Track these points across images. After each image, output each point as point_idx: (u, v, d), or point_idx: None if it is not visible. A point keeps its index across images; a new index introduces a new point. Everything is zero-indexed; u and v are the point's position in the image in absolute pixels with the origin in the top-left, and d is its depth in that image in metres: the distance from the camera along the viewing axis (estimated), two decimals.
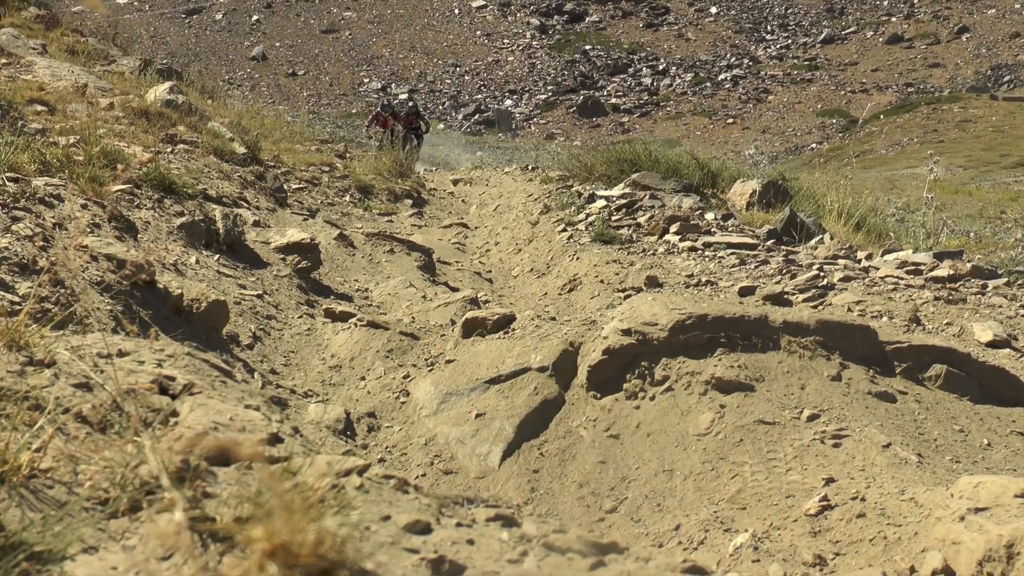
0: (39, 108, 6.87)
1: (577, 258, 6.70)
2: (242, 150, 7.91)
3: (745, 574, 3.04)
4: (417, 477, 3.77)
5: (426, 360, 4.46)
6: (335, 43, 54.50)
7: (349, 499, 1.56)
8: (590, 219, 7.80)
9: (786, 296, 5.58)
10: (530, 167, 11.98)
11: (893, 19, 59.29)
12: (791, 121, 51.58)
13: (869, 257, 6.96)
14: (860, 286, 6.13)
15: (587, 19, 60.00)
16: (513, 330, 4.36)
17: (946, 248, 7.78)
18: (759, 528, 3.25)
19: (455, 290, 6.15)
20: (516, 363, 4.09)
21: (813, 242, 7.36)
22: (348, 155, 11.71)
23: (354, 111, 44.99)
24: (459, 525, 1.78)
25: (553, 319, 4.53)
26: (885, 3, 60.16)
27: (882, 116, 47.56)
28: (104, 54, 11.43)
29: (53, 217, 4.09)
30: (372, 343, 4.61)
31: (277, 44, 54.84)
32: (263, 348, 4.56)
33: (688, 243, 7.13)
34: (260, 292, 5.09)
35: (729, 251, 6.95)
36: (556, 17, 59.84)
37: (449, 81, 51.39)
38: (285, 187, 7.93)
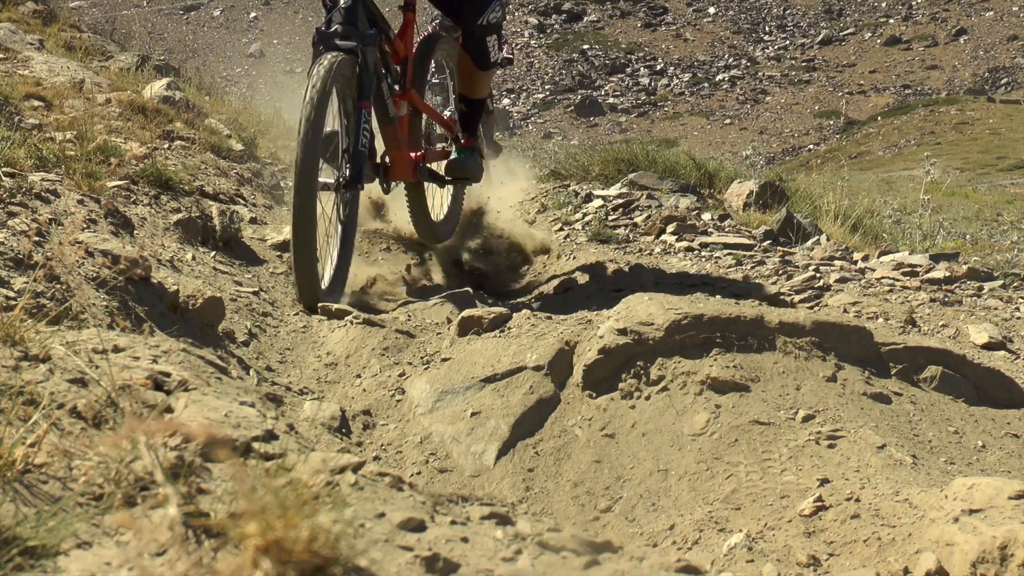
0: (36, 103, 6.87)
1: (574, 258, 6.69)
2: (239, 147, 7.91)
3: (739, 574, 3.04)
4: (412, 475, 3.77)
5: (422, 358, 4.46)
6: None
7: (343, 496, 1.56)
8: (587, 219, 7.80)
9: (782, 297, 5.59)
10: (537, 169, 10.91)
11: (891, 21, 59.36)
12: (788, 122, 51.67)
13: (865, 259, 6.97)
14: (856, 287, 6.14)
15: (585, 19, 60.04)
16: (509, 329, 4.36)
17: (942, 250, 7.78)
18: (753, 528, 3.26)
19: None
20: (512, 362, 4.09)
21: (810, 243, 7.37)
22: None
23: None
24: (453, 523, 1.78)
25: (549, 318, 4.54)
26: (883, 5, 60.22)
27: (879, 118, 47.65)
28: (102, 50, 11.41)
29: (49, 212, 4.09)
30: (368, 341, 4.60)
31: (275, 41, 54.82)
32: (259, 345, 4.56)
33: (685, 243, 7.14)
34: (256, 289, 5.08)
35: (726, 251, 6.96)
36: (554, 16, 59.88)
37: None
38: (282, 184, 7.93)
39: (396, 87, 5.17)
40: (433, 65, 5.76)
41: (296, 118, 4.56)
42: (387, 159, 5.35)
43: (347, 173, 4.75)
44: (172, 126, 7.55)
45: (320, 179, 4.65)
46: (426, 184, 5.62)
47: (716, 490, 3.48)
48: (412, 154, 5.41)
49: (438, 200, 5.96)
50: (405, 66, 5.27)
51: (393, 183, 5.45)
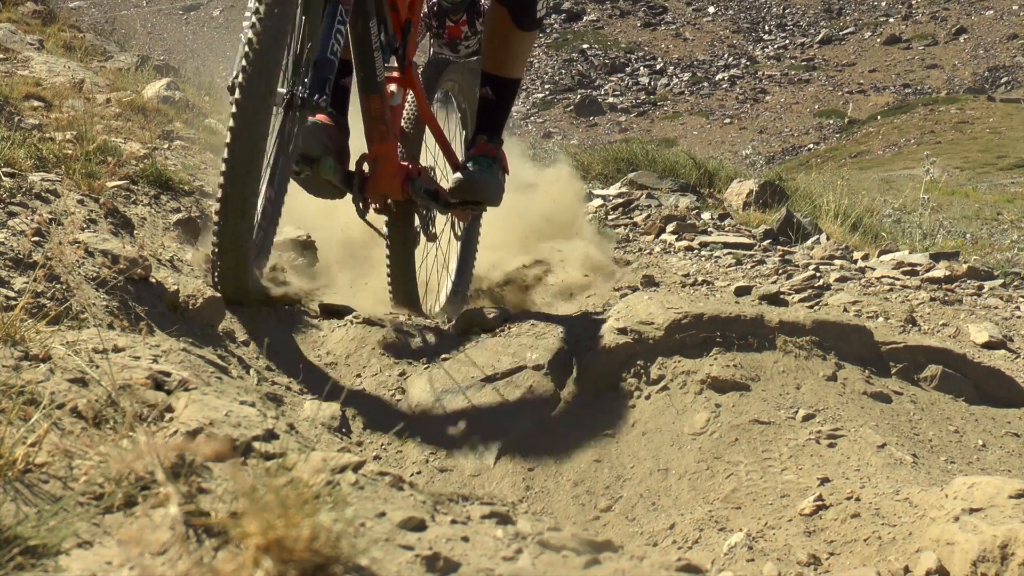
0: (36, 103, 6.87)
1: None
2: None
3: (740, 573, 3.04)
4: (412, 475, 3.77)
5: (422, 358, 4.46)
6: None
7: (344, 495, 1.56)
8: (587, 218, 7.80)
9: (782, 296, 5.60)
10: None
11: (891, 20, 59.37)
12: (788, 121, 51.66)
13: (865, 258, 6.98)
14: (856, 287, 6.14)
15: (585, 18, 60.04)
16: (509, 328, 4.36)
17: (942, 249, 7.80)
18: (754, 527, 3.26)
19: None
20: (512, 361, 4.09)
21: (809, 242, 7.38)
22: None
23: None
24: (454, 522, 1.78)
25: (549, 317, 4.54)
26: (883, 4, 60.23)
27: (879, 117, 47.65)
28: (101, 50, 11.42)
29: (49, 212, 4.09)
30: (368, 340, 4.60)
31: None
32: (259, 344, 4.56)
33: (684, 242, 7.14)
34: None
35: (725, 251, 6.96)
36: (554, 16, 59.87)
37: None
38: None
39: (392, 59, 3.88)
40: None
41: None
42: (365, 166, 3.92)
43: (305, 84, 3.31)
44: (172, 126, 7.55)
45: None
46: (419, 244, 4.37)
47: (716, 489, 3.48)
48: (404, 163, 4.08)
49: (436, 272, 4.55)
50: (406, 36, 3.90)
51: (371, 202, 4.03)
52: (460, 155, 4.45)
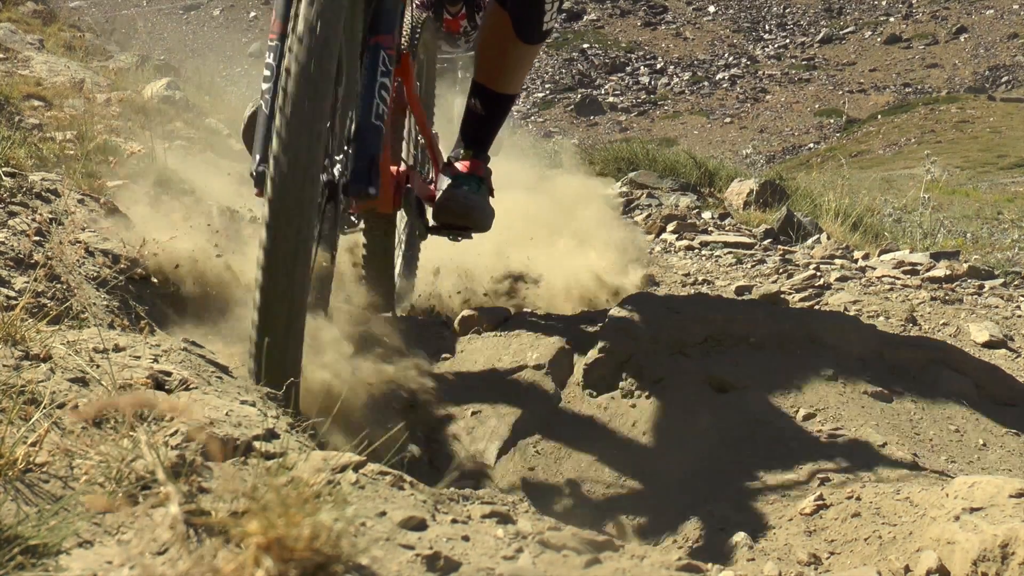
0: (36, 103, 6.87)
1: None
2: (239, 146, 7.92)
3: (740, 573, 3.04)
4: (412, 474, 3.76)
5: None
6: None
7: (345, 495, 1.56)
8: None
9: (782, 295, 5.60)
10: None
11: (891, 19, 59.36)
12: (788, 121, 51.64)
13: (866, 257, 6.98)
14: (857, 286, 6.14)
15: (585, 17, 60.03)
16: (509, 328, 4.36)
17: (943, 248, 7.80)
18: (754, 527, 3.25)
19: None
20: (512, 361, 4.09)
21: (810, 242, 7.38)
22: None
23: None
24: (454, 522, 1.79)
25: (549, 317, 4.54)
26: (883, 3, 60.23)
27: (880, 116, 47.62)
28: (101, 50, 11.42)
29: (49, 212, 4.09)
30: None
31: None
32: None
33: (685, 242, 7.15)
34: None
35: (726, 250, 6.96)
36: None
37: None
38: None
39: None
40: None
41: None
42: None
43: (348, 167, 2.70)
44: (172, 126, 7.55)
45: None
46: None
47: (716, 489, 3.48)
48: (393, 168, 3.54)
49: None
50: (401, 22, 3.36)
51: (356, 216, 3.43)
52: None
